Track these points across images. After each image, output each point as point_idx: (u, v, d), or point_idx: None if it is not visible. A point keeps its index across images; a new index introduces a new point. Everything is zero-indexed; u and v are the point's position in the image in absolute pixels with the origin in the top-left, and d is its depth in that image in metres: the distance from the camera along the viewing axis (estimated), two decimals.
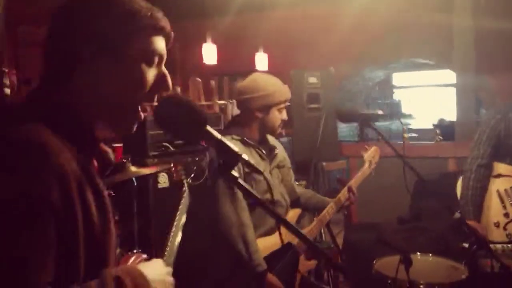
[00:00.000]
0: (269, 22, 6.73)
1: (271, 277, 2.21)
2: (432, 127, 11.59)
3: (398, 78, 14.21)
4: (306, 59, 6.59)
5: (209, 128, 1.05)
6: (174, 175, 1.58)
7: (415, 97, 15.83)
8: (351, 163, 4.61)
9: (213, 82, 5.80)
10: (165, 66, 1.07)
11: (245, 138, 2.38)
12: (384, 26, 6.51)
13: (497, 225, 2.81)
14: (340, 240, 4.33)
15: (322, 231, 3.77)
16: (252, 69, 7.08)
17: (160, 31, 1.05)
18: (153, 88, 1.05)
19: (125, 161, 2.80)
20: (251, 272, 2.16)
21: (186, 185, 1.58)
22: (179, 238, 1.38)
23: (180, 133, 1.10)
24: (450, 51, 6.02)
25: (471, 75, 5.87)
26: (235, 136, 2.37)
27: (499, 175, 2.87)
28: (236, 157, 1.04)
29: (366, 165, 2.82)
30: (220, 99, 5.76)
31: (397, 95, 14.77)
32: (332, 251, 3.74)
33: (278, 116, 2.41)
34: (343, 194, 2.68)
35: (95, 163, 1.04)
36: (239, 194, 2.23)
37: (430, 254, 2.64)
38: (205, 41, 5.59)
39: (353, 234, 4.27)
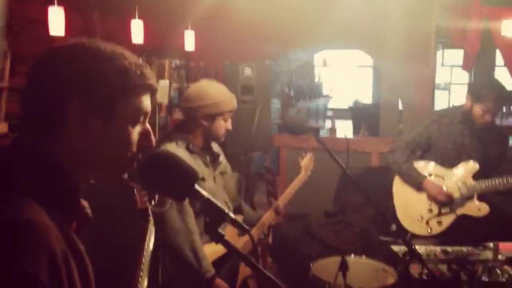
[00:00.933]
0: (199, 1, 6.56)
1: (219, 281, 2.27)
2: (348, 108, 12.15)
3: (319, 58, 14.59)
4: (233, 37, 6.54)
5: (197, 187, 1.02)
6: (138, 202, 1.48)
7: (334, 78, 16.38)
8: (281, 153, 4.71)
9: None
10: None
11: (189, 145, 2.37)
12: (308, 10, 6.60)
13: (420, 219, 3.06)
14: None
15: None
16: (180, 48, 6.93)
17: (148, 89, 1.01)
18: (137, 146, 1.00)
19: None
20: (200, 278, 2.20)
21: (151, 213, 1.50)
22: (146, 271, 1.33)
23: (167, 191, 1.06)
24: (370, 35, 6.24)
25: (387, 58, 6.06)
26: (180, 143, 2.35)
27: (430, 175, 3.10)
28: (224, 215, 1.02)
29: (303, 172, 2.89)
30: None
31: (317, 76, 15.18)
32: (262, 242, 3.83)
33: (223, 125, 2.42)
34: (269, 216, 2.69)
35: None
36: (185, 202, 2.21)
37: (363, 256, 2.79)
38: (134, 17, 5.34)
39: (281, 225, 4.38)
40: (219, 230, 1.02)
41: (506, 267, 2.46)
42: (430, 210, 3.08)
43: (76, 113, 0.93)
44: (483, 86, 3.00)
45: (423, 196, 3.10)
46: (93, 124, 0.94)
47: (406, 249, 2.52)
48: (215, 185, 2.47)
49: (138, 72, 0.97)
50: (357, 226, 3.86)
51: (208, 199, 1.02)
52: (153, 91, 1.02)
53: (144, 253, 1.37)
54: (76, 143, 0.94)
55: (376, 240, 3.51)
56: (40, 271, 0.80)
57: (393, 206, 3.21)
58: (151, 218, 1.50)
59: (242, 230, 1.09)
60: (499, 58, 13.80)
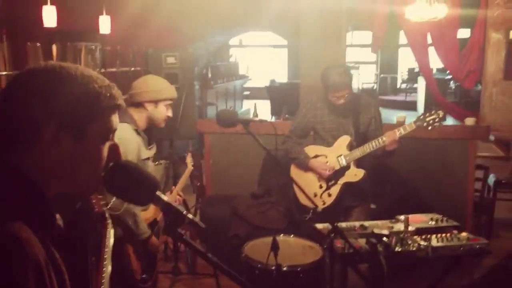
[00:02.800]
0: None
1: (153, 239, 2.74)
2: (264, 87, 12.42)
3: (235, 40, 14.67)
4: (151, 23, 6.49)
5: (158, 193, 1.12)
6: (96, 207, 1.52)
7: (250, 58, 16.56)
8: (206, 138, 4.82)
9: (54, 47, 5.39)
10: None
11: (136, 128, 2.65)
12: None
13: (314, 195, 3.40)
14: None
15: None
16: (95, 32, 6.73)
17: (117, 108, 1.09)
18: (107, 159, 1.09)
19: None
20: (139, 238, 2.63)
21: (108, 216, 1.55)
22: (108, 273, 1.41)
23: (130, 198, 1.15)
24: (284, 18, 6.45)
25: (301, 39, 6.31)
26: (129, 125, 2.61)
27: (315, 156, 3.45)
28: (182, 216, 1.13)
29: (189, 166, 3.50)
30: None
31: (233, 56, 15.30)
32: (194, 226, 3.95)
33: (165, 111, 2.74)
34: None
35: None
36: None
37: (292, 236, 3.00)
38: (46, 3, 5.13)
39: (209, 207, 4.52)
40: (178, 230, 1.14)
41: (415, 237, 2.78)
42: (321, 186, 3.45)
43: (50, 133, 0.99)
44: (325, 78, 3.30)
45: (312, 175, 3.46)
46: (65, 142, 1.01)
47: (330, 227, 2.78)
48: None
49: (108, 95, 1.05)
50: (281, 206, 4.08)
51: (168, 203, 1.13)
52: (120, 109, 1.10)
53: (106, 249, 1.45)
54: (48, 161, 1.01)
55: (299, 220, 3.75)
56: (28, 282, 0.88)
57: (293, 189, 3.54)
58: (109, 221, 1.57)
59: (198, 228, 1.21)
60: (402, 39, 14.75)
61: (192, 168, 3.55)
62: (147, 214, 2.80)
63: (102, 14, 5.99)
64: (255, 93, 14.20)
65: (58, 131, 1.00)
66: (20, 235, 0.91)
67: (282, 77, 15.09)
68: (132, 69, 6.28)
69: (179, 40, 6.75)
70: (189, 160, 3.56)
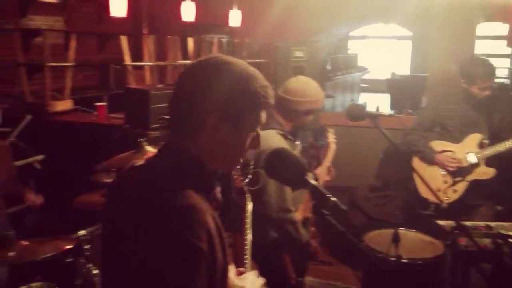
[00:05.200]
0: None
1: (313, 242, 2.77)
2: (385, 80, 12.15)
3: (355, 31, 14.51)
4: (276, 16, 6.72)
5: (307, 177, 1.30)
6: (236, 182, 1.77)
7: (371, 49, 16.26)
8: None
9: (190, 40, 5.83)
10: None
11: (284, 133, 2.65)
12: None
13: (439, 189, 3.41)
14: None
15: None
16: (223, 25, 7.13)
17: (268, 106, 1.27)
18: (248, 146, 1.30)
19: (141, 141, 2.97)
20: (299, 242, 2.61)
21: (247, 191, 1.78)
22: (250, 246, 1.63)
23: (285, 180, 1.34)
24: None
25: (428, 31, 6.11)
26: (276, 130, 2.62)
27: (443, 151, 3.42)
28: (327, 199, 1.30)
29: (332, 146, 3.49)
30: (196, 58, 5.82)
31: (353, 48, 15.14)
32: None
33: (310, 118, 2.72)
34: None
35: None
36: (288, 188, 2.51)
37: (412, 230, 3.05)
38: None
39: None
40: (324, 210, 1.31)
41: None
42: (445, 181, 3.42)
43: (213, 122, 1.20)
44: (471, 68, 3.21)
45: (437, 170, 3.43)
46: (224, 130, 1.21)
47: (453, 223, 2.79)
48: None
49: (264, 94, 1.24)
50: (399, 200, 4.11)
51: (315, 186, 1.30)
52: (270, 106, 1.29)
53: (247, 219, 1.68)
54: (209, 144, 1.22)
55: (419, 214, 3.76)
56: (202, 242, 1.10)
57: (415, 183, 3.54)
58: (248, 195, 1.80)
59: (342, 211, 1.37)
60: None
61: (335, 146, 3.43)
62: (297, 216, 2.74)
63: (232, 8, 6.35)
64: (373, 86, 13.95)
65: (219, 121, 1.20)
66: (195, 204, 1.13)
67: (403, 70, 14.63)
68: (257, 60, 6.58)
69: (302, 33, 6.91)
70: (331, 138, 3.45)
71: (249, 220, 1.71)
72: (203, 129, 1.21)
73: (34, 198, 3.16)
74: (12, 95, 5.24)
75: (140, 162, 1.29)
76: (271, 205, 2.48)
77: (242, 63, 1.26)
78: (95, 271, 2.61)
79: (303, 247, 2.64)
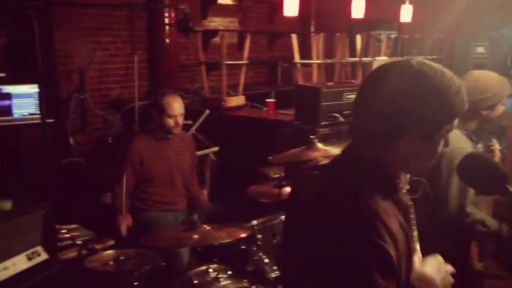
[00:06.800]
0: None
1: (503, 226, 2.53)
2: None
3: None
4: (455, 10, 6.30)
5: (508, 186, 1.20)
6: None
7: None
8: (509, 133, 4.56)
9: (358, 37, 5.76)
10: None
11: (469, 133, 2.56)
12: None
13: None
14: None
15: None
16: (392, 21, 6.91)
17: (462, 113, 1.21)
18: None
19: (312, 138, 3.03)
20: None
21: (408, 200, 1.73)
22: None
23: (480, 186, 1.26)
24: None
25: None
26: (461, 130, 2.52)
27: None
28: None
29: None
30: (365, 56, 5.74)
31: None
32: None
33: (501, 108, 2.58)
34: None
35: None
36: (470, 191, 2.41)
37: None
38: None
39: None
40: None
41: None
42: None
43: (406, 135, 1.16)
44: None
45: None
46: (416, 142, 1.17)
47: None
48: None
49: (461, 104, 1.18)
50: None
51: None
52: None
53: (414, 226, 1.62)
54: (398, 155, 1.19)
55: None
56: (386, 242, 1.10)
57: None
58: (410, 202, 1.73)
59: None
60: None
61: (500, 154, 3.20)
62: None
63: (404, 3, 6.13)
64: None
65: (414, 135, 1.16)
66: (381, 207, 1.13)
67: None
68: (428, 57, 6.25)
69: (481, 28, 6.39)
70: (496, 146, 3.14)
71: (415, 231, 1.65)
72: (394, 143, 1.18)
73: (204, 199, 3.47)
74: (190, 91, 5.75)
75: (325, 161, 1.33)
76: (451, 208, 2.36)
77: (437, 68, 1.19)
78: (266, 260, 2.74)
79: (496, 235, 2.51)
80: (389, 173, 1.23)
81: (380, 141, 1.19)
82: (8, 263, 2.27)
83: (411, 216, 1.74)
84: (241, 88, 5.19)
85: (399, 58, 1.23)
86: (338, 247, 1.11)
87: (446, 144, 1.24)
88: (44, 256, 2.43)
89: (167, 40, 5.44)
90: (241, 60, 5.14)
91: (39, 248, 2.43)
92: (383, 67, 1.23)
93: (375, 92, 1.19)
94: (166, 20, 5.36)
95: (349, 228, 1.11)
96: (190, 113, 3.96)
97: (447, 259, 1.39)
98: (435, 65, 1.20)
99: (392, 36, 6.82)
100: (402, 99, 1.14)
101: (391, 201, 1.21)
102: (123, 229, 3.12)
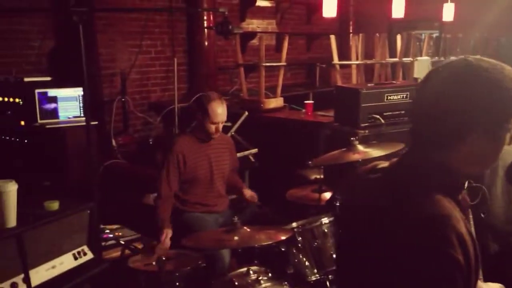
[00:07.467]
0: None
1: None
2: None
3: None
4: (500, 8, 6.13)
5: None
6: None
7: None
8: None
9: (399, 37, 5.67)
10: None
11: None
12: None
13: None
14: None
15: None
16: (434, 20, 6.76)
17: None
18: None
19: (353, 139, 2.99)
20: None
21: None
22: None
23: None
24: None
25: None
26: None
27: None
28: None
29: None
30: (405, 56, 5.64)
31: None
32: None
33: None
34: None
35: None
36: None
37: None
38: None
39: None
40: None
41: None
42: None
43: (471, 137, 1.14)
44: None
45: None
46: (481, 143, 1.14)
47: None
48: None
49: None
50: None
51: None
52: None
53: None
54: (463, 154, 1.16)
55: None
56: (457, 253, 1.05)
57: None
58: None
59: None
60: None
61: None
62: None
63: (447, 1, 5.99)
64: None
65: (478, 133, 1.13)
66: (449, 213, 1.10)
67: None
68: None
69: None
70: None
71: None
72: (459, 143, 1.15)
73: (252, 194, 3.44)
74: (229, 93, 5.78)
75: (382, 164, 1.30)
76: (499, 216, 2.28)
77: (495, 63, 1.17)
78: (306, 263, 2.73)
79: None
80: (455, 174, 1.19)
81: (445, 142, 1.16)
82: (55, 262, 2.34)
83: (469, 216, 1.71)
84: (279, 90, 5.19)
85: (453, 58, 1.21)
86: (409, 261, 1.07)
87: (510, 141, 1.20)
88: (89, 255, 2.49)
89: (206, 43, 5.50)
90: (279, 61, 5.14)
91: (85, 248, 2.49)
92: (439, 68, 1.21)
93: (435, 93, 1.17)
94: (205, 23, 5.42)
95: (416, 240, 1.07)
96: (228, 115, 3.97)
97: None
98: (492, 60, 1.18)
99: (434, 35, 6.67)
100: (464, 96, 1.12)
101: (455, 203, 1.17)
102: (167, 242, 3.07)
